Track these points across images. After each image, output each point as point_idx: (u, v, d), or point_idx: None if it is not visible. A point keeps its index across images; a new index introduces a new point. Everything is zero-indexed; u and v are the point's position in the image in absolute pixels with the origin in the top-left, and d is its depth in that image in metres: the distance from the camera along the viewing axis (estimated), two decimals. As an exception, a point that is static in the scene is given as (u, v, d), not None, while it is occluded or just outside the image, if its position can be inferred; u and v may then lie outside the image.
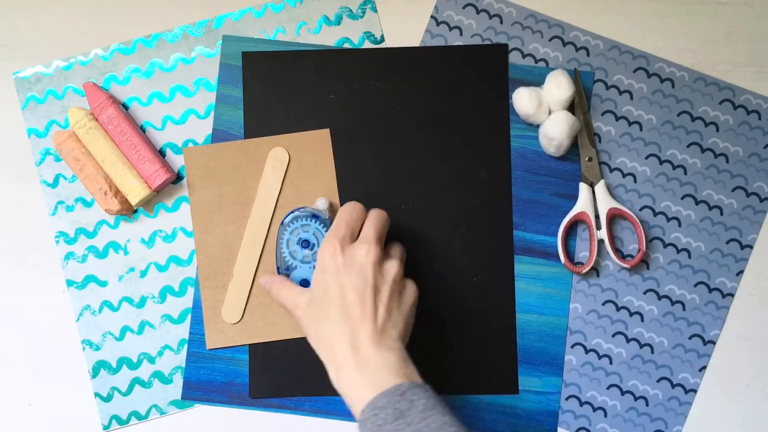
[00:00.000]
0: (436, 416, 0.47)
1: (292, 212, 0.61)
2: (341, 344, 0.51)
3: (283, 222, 0.61)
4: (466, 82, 0.66)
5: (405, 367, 0.51)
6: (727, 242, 0.66)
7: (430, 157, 0.66)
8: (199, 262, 0.64)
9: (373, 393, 0.48)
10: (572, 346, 0.65)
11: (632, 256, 0.65)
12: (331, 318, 0.53)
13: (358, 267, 0.53)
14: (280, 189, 0.64)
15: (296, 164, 0.65)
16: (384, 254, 0.55)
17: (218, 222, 0.64)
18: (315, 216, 0.61)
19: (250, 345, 0.64)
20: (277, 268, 0.61)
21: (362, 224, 0.56)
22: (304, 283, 0.60)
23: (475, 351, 0.64)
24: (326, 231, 0.60)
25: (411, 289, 0.56)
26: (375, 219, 0.56)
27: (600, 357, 0.65)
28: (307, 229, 0.61)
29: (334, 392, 0.64)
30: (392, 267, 0.55)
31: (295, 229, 0.60)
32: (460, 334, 0.65)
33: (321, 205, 0.63)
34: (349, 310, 0.52)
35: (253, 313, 0.64)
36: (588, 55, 0.67)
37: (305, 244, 0.60)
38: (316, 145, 0.65)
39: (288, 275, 0.60)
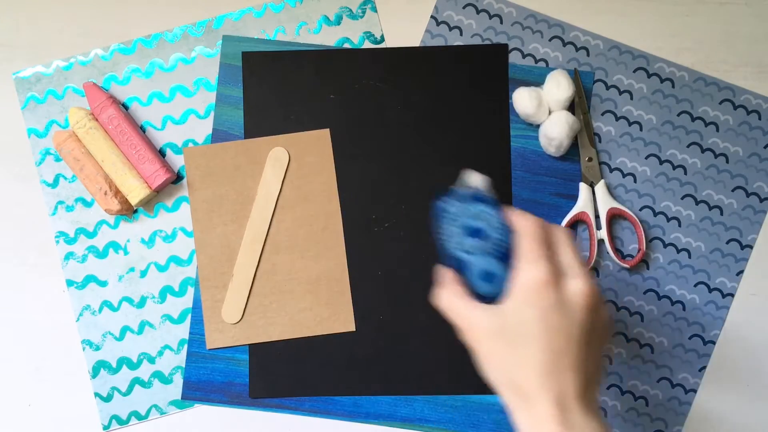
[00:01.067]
0: None
1: (447, 196, 0.51)
2: (544, 397, 0.43)
3: (438, 210, 0.51)
4: (466, 83, 0.66)
5: None
6: (727, 242, 0.66)
7: (430, 157, 0.66)
8: (199, 262, 0.64)
9: None
10: (572, 346, 0.65)
11: (632, 256, 0.65)
12: (531, 360, 0.44)
13: (573, 309, 0.44)
14: (280, 189, 0.65)
15: (296, 164, 0.65)
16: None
17: (218, 222, 0.64)
18: (477, 197, 0.51)
19: (250, 345, 0.64)
20: (443, 264, 0.51)
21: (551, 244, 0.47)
22: (487, 276, 0.49)
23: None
24: (495, 213, 0.50)
25: (609, 333, 0.47)
26: (571, 242, 0.47)
27: (600, 357, 0.65)
28: (472, 214, 0.50)
29: (334, 392, 0.64)
30: (604, 312, 0.46)
31: (457, 217, 0.50)
32: (457, 337, 0.65)
33: (478, 182, 0.52)
34: (558, 358, 0.43)
35: (254, 313, 0.64)
36: (588, 55, 0.67)
37: (475, 232, 0.49)
38: (316, 146, 0.65)
39: (460, 271, 0.50)
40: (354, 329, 0.64)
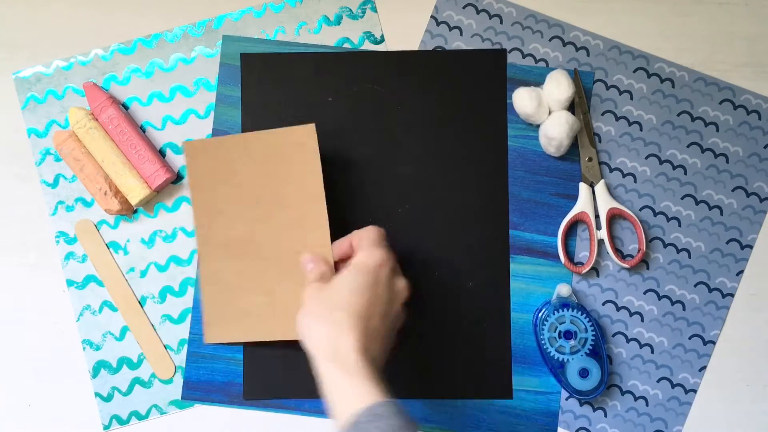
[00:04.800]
0: None
1: (539, 310, 0.63)
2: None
3: (535, 322, 0.63)
4: (464, 87, 0.66)
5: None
6: (727, 242, 0.66)
7: (428, 160, 0.66)
8: (201, 258, 0.62)
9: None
10: (572, 346, 0.65)
11: (632, 256, 0.65)
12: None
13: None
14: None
15: (278, 159, 0.61)
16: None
17: (220, 218, 0.62)
18: (565, 305, 0.62)
19: (244, 346, 0.64)
20: (549, 369, 0.63)
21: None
22: (584, 373, 0.61)
23: (469, 356, 0.64)
24: (582, 316, 0.62)
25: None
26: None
27: (600, 357, 0.65)
28: (563, 320, 0.62)
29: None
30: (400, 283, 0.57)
31: (552, 325, 0.62)
32: (454, 339, 0.65)
33: (565, 291, 0.63)
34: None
35: (255, 311, 0.62)
36: (588, 55, 0.67)
37: (567, 335, 0.62)
38: (305, 144, 0.61)
39: (564, 371, 0.62)
40: None
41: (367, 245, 0.56)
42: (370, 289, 0.53)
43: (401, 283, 0.56)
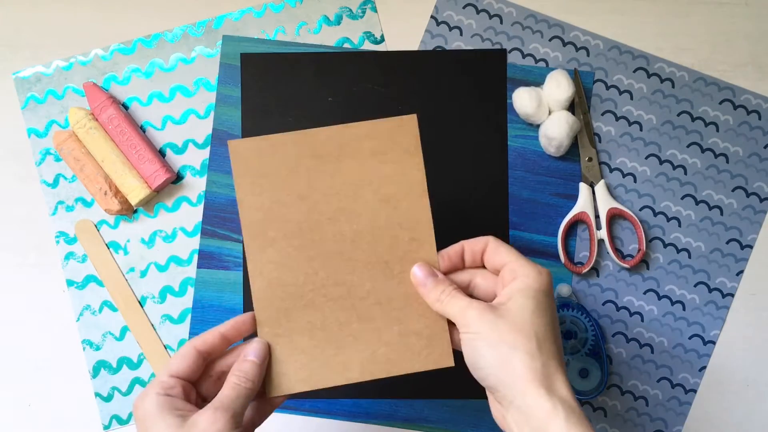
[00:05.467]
0: None
1: None
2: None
3: None
4: (464, 87, 0.66)
5: None
6: (727, 242, 0.66)
7: (427, 160, 0.66)
8: (254, 290, 0.49)
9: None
10: (572, 346, 0.65)
11: (632, 256, 0.65)
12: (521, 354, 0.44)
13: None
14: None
15: (376, 161, 0.50)
16: None
17: (277, 235, 0.49)
18: (565, 305, 0.62)
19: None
20: None
21: None
22: (584, 373, 0.62)
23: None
24: (582, 316, 0.61)
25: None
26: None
27: (600, 357, 0.65)
28: (563, 320, 0.62)
29: (327, 395, 0.64)
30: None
31: None
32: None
33: (565, 291, 0.63)
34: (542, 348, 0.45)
35: (326, 349, 0.49)
36: (588, 55, 0.67)
37: (568, 335, 0.62)
38: (400, 136, 0.50)
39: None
40: (453, 364, 0.50)
41: (520, 261, 0.47)
42: (550, 310, 0.46)
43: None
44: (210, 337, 0.47)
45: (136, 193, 0.63)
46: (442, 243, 0.67)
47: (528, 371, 0.43)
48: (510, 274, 0.47)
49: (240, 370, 0.46)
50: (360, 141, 0.50)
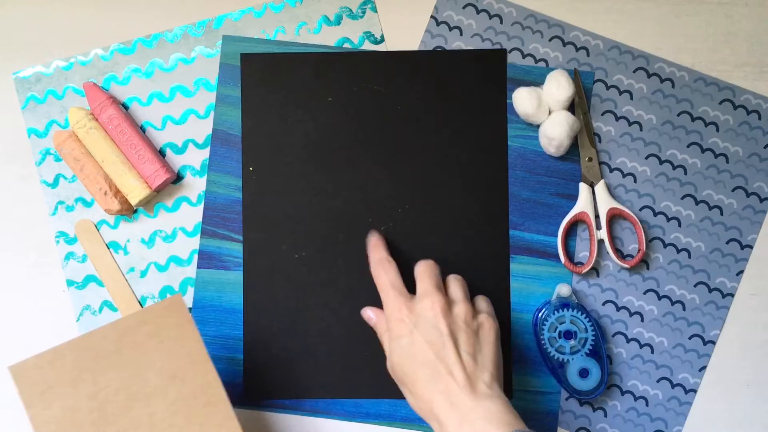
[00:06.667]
0: None
1: (540, 309, 0.63)
2: (439, 403, 0.50)
3: (535, 322, 0.63)
4: (464, 87, 0.66)
5: (506, 413, 0.49)
6: (727, 242, 0.66)
7: (428, 160, 0.66)
8: None
9: None
10: (572, 346, 0.65)
11: (632, 256, 0.65)
12: (421, 380, 0.51)
13: (428, 322, 0.53)
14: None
15: (154, 342, 0.53)
16: (448, 299, 0.55)
17: None
18: (565, 305, 0.62)
19: (244, 346, 0.64)
20: (549, 369, 0.62)
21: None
22: (584, 373, 0.62)
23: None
24: (582, 316, 0.62)
25: (488, 325, 0.54)
26: (425, 270, 0.57)
27: (600, 357, 0.65)
28: (563, 320, 0.62)
29: (327, 395, 0.64)
30: (460, 310, 0.54)
31: (552, 325, 0.62)
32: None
33: (565, 291, 0.63)
34: (435, 368, 0.51)
35: None
36: (588, 55, 0.67)
37: (568, 335, 0.62)
38: (171, 315, 0.53)
39: (564, 371, 0.62)
40: None
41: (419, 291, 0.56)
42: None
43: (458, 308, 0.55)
44: None
45: (136, 193, 0.63)
46: (442, 242, 0.67)
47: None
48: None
49: None
50: (135, 329, 0.53)
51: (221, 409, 0.52)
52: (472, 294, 0.58)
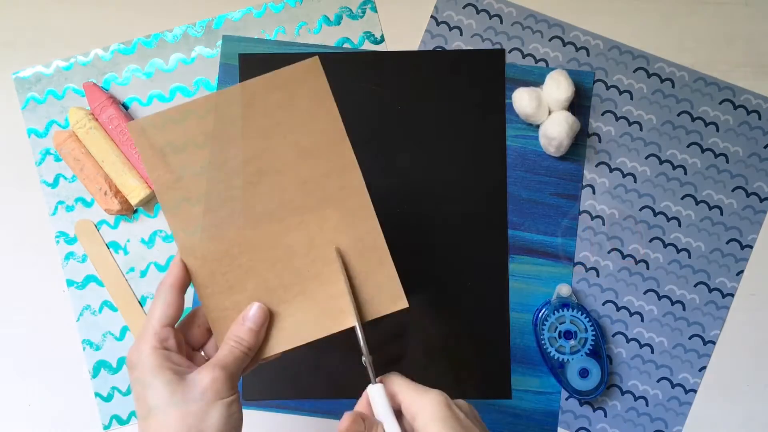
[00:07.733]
0: None
1: (540, 310, 0.63)
2: None
3: (535, 322, 0.63)
4: (464, 87, 0.66)
5: None
6: (727, 242, 0.66)
7: (427, 160, 0.66)
8: (190, 267, 0.48)
9: None
10: (572, 346, 0.65)
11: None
12: None
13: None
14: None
15: (286, 113, 0.47)
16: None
17: (199, 211, 0.48)
18: (565, 305, 0.62)
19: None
20: (549, 368, 0.63)
21: None
22: (584, 373, 0.62)
23: (469, 356, 0.64)
24: (582, 316, 0.62)
25: None
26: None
27: (600, 357, 0.65)
28: (563, 320, 0.62)
29: (325, 395, 0.64)
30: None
31: (552, 325, 0.62)
32: (454, 339, 0.65)
33: (565, 291, 0.63)
34: None
35: (275, 316, 0.48)
36: (588, 55, 0.67)
37: (568, 335, 0.62)
38: (307, 82, 0.48)
39: (564, 371, 0.62)
40: (407, 305, 0.49)
41: (411, 397, 0.47)
42: (457, 421, 0.47)
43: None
44: (177, 270, 0.47)
45: (136, 193, 0.63)
46: (441, 242, 0.67)
47: None
48: (410, 414, 0.46)
49: (238, 336, 0.46)
50: (265, 96, 0.47)
51: (357, 194, 0.48)
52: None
